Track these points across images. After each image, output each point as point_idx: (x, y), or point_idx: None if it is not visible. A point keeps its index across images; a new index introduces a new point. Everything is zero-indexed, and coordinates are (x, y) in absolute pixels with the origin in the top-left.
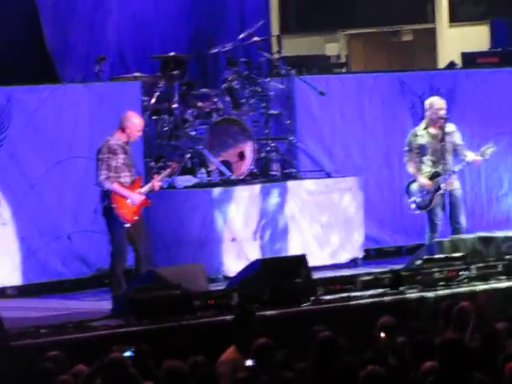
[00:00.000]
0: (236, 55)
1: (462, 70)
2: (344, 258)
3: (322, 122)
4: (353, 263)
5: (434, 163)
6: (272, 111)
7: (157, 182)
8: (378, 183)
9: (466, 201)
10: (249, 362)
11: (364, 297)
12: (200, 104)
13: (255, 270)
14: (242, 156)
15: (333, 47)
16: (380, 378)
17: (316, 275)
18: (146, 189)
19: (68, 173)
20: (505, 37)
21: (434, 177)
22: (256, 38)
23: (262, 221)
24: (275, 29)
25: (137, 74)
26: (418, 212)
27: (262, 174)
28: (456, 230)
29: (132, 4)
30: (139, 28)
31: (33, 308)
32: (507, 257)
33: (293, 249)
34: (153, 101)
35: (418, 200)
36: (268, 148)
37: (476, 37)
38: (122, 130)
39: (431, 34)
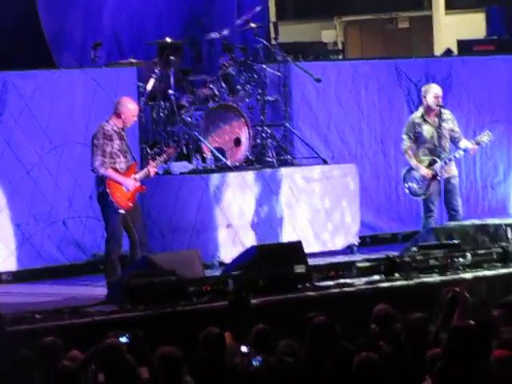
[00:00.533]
0: (232, 41)
1: (457, 57)
2: (340, 244)
3: (318, 108)
4: (348, 250)
5: (431, 151)
6: (268, 98)
7: (152, 168)
8: (374, 170)
9: (462, 188)
10: (244, 349)
11: (359, 283)
12: (196, 90)
13: (251, 256)
14: (237, 142)
15: (329, 34)
16: (374, 365)
17: (312, 262)
18: (141, 175)
19: (63, 158)
20: (500, 25)
21: (431, 164)
22: (252, 25)
23: (258, 207)
24: (272, 15)
25: (133, 60)
26: (415, 199)
27: (257, 161)
28: (452, 216)
29: None
30: (134, 14)
31: (28, 294)
32: (502, 244)
33: (288, 235)
34: (149, 87)
35: (415, 187)
36: (264, 134)
37: (472, 24)
38: (117, 115)
39: (427, 22)
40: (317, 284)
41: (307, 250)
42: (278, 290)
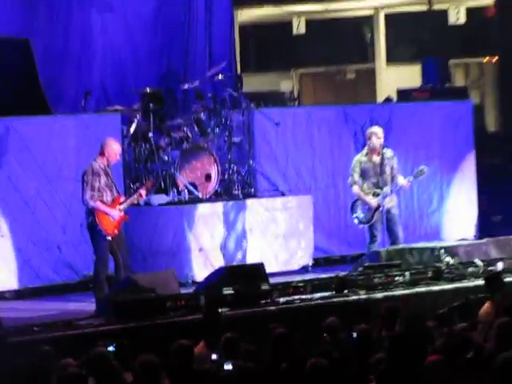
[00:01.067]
0: (203, 90)
1: (397, 104)
2: (296, 265)
3: (277, 148)
4: (304, 270)
5: (375, 184)
6: (234, 139)
7: (134, 201)
8: (326, 201)
9: (401, 216)
10: (214, 356)
11: (313, 299)
12: (172, 133)
13: (220, 275)
14: (208, 177)
15: (287, 84)
16: (323, 369)
17: (272, 280)
18: (124, 206)
19: (58, 192)
20: (434, 75)
21: (374, 196)
22: (220, 76)
23: (225, 233)
24: (237, 68)
25: (117, 107)
26: (360, 226)
27: (225, 193)
28: (393, 241)
29: (113, 46)
30: (119, 67)
31: (27, 309)
32: (435, 264)
33: (252, 258)
34: (131, 130)
35: (361, 216)
36: (230, 171)
37: (410, 75)
38: (103, 154)
39: (371, 73)
40: (277, 300)
41: (268, 270)
42: (243, 304)
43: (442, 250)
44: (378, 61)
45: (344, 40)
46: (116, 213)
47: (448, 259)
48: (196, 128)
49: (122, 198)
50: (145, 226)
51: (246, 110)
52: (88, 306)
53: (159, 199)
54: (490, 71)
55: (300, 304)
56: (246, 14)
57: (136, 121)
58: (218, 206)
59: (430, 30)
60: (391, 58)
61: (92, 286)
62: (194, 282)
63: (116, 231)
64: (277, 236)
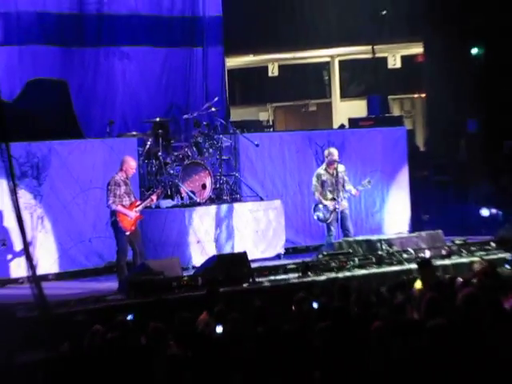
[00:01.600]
0: (200, 119)
1: (348, 129)
2: (271, 254)
3: (257, 164)
4: (277, 257)
5: (331, 192)
6: (224, 157)
7: (147, 204)
8: (294, 204)
9: (352, 216)
10: (219, 329)
11: (285, 279)
12: (176, 152)
13: (213, 262)
14: (204, 187)
15: (264, 115)
16: (288, 334)
17: (253, 265)
18: (140, 208)
19: (89, 198)
20: (377, 107)
21: (331, 200)
22: (213, 109)
23: (217, 229)
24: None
25: (134, 133)
26: (321, 224)
27: (217, 199)
28: (345, 235)
29: (130, 86)
30: (135, 102)
31: (66, 288)
32: (378, 252)
33: (238, 248)
34: (145, 150)
35: (321, 216)
36: (221, 181)
37: (358, 107)
38: (122, 169)
39: (328, 106)
40: (256, 280)
41: (250, 257)
42: (231, 284)
43: (383, 242)
44: (334, 97)
45: (308, 81)
46: (133, 214)
47: (387, 248)
48: (194, 149)
49: (138, 202)
50: (156, 223)
51: (232, 134)
52: (112, 285)
53: (167, 203)
54: (419, 104)
55: (274, 284)
56: (232, 61)
57: (148, 143)
58: (212, 208)
59: (373, 73)
60: (344, 95)
61: (115, 270)
62: (193, 267)
63: (133, 228)
64: (257, 231)
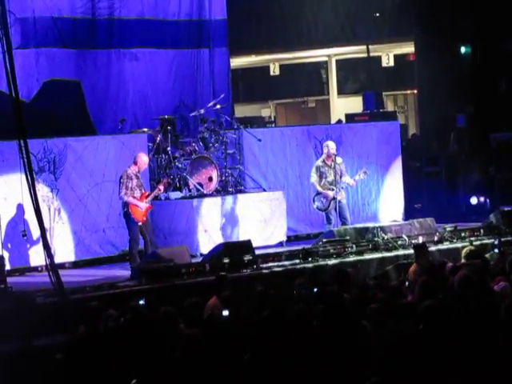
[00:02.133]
0: (207, 116)
1: (345, 124)
2: (274, 241)
3: (260, 157)
4: (280, 244)
5: (330, 183)
6: (229, 151)
7: (155, 194)
8: (295, 195)
9: (349, 205)
10: (225, 312)
11: (287, 265)
12: (184, 147)
13: (220, 249)
14: (210, 179)
15: (266, 111)
16: (290, 317)
17: (257, 252)
18: (149, 198)
19: (102, 191)
20: (372, 103)
21: (330, 191)
22: (218, 106)
23: (223, 219)
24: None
25: (145, 129)
26: (320, 213)
27: (223, 190)
28: (343, 223)
29: (140, 86)
30: (145, 101)
31: (81, 275)
32: (374, 239)
33: (242, 236)
34: (155, 146)
35: (320, 205)
36: (226, 174)
37: (354, 103)
38: (135, 163)
39: (327, 102)
40: (260, 266)
41: (254, 244)
42: (236, 269)
43: (379, 229)
44: (332, 93)
45: (307, 79)
46: (144, 205)
47: (383, 235)
48: (201, 143)
49: (147, 193)
50: (166, 214)
51: (237, 130)
52: (125, 272)
53: (175, 195)
54: (411, 100)
55: (276, 269)
56: (236, 61)
57: (158, 139)
58: (218, 200)
59: (368, 71)
60: (341, 92)
61: (128, 258)
62: (201, 255)
63: (144, 218)
64: (260, 220)
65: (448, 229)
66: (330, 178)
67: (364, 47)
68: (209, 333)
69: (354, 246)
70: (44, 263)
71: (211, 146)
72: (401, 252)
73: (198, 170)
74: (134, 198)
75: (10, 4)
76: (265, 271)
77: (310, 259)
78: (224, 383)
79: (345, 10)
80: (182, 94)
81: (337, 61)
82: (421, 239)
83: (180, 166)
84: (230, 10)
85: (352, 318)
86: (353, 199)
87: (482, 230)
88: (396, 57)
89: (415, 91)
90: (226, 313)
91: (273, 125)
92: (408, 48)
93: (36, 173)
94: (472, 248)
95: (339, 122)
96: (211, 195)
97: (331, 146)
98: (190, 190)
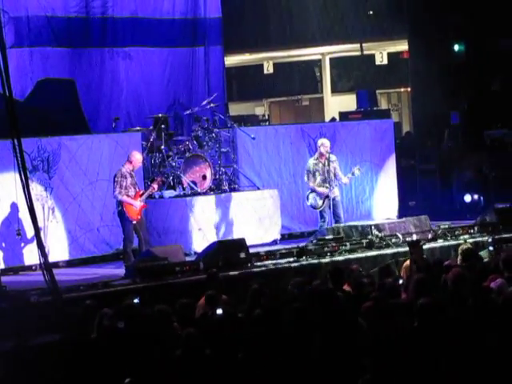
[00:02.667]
0: (200, 115)
1: (339, 122)
2: (268, 239)
3: (254, 155)
4: (274, 242)
5: (323, 180)
6: (222, 149)
7: (153, 189)
8: (289, 193)
9: (343, 203)
10: (219, 311)
11: (281, 263)
12: (178, 146)
13: (214, 248)
14: (204, 177)
15: (260, 109)
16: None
17: (251, 250)
18: (143, 197)
19: (96, 189)
20: (365, 102)
21: (324, 189)
22: (212, 104)
23: (217, 217)
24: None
25: (138, 128)
26: (314, 210)
27: (217, 189)
28: (337, 221)
29: (134, 84)
30: (138, 99)
31: (76, 274)
32: (368, 237)
33: (236, 234)
34: (148, 144)
35: (314, 203)
36: (220, 172)
37: (348, 101)
38: (130, 162)
39: (320, 100)
40: (254, 264)
41: (248, 242)
42: (230, 268)
43: (373, 227)
44: (325, 92)
45: (301, 77)
46: (138, 203)
47: (377, 233)
48: (195, 142)
49: (141, 192)
50: (160, 212)
51: (231, 128)
52: (119, 271)
53: (169, 193)
54: (405, 98)
55: (271, 267)
56: (231, 59)
57: (152, 137)
58: (212, 198)
59: (362, 69)
60: (334, 90)
61: (122, 256)
62: (195, 253)
63: (138, 217)
64: (254, 219)
65: (442, 226)
66: (324, 175)
67: (358, 45)
68: (202, 331)
69: (347, 243)
70: (38, 262)
71: (205, 144)
72: (394, 250)
73: (192, 169)
74: (129, 196)
75: (3, 3)
76: (259, 269)
77: (304, 257)
78: (218, 382)
79: (338, 8)
80: (176, 92)
81: (330, 59)
82: (415, 237)
83: (174, 164)
84: (223, 9)
85: (347, 315)
86: (347, 197)
87: (476, 228)
88: (389, 55)
89: (409, 89)
90: (219, 311)
91: (267, 123)
92: (401, 46)
93: (30, 172)
94: (467, 246)
95: (333, 120)
96: (205, 193)
97: (325, 143)
98: (183, 189)
